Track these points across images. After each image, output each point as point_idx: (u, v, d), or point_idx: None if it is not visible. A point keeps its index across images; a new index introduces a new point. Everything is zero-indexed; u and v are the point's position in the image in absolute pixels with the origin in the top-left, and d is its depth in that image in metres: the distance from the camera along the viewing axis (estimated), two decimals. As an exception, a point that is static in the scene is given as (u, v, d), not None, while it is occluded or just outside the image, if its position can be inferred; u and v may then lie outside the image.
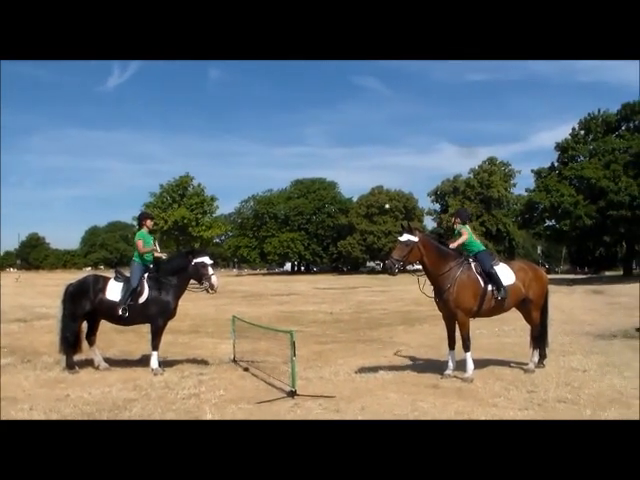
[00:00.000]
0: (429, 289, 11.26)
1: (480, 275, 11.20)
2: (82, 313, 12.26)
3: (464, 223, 12.03)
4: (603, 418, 7.96)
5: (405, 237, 10.93)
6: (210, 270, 12.41)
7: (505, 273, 11.43)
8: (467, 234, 11.67)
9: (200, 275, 12.32)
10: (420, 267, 11.52)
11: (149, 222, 12.87)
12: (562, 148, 65.74)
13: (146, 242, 12.48)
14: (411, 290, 31.23)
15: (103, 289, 12.17)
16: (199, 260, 12.36)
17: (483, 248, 11.95)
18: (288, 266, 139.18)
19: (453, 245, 11.52)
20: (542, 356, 11.91)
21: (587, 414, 8.20)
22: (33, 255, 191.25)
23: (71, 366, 12.11)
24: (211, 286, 12.32)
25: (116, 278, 12.35)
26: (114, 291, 12.11)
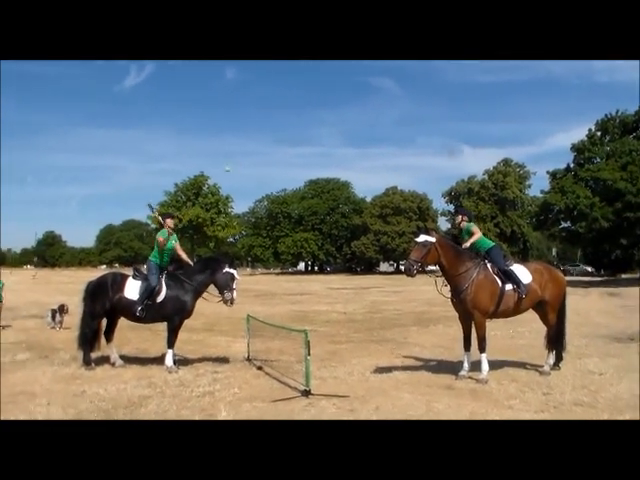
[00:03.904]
0: (446, 290, 11.23)
1: (497, 275, 11.17)
2: (101, 311, 12.37)
3: (470, 220, 12.05)
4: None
5: (422, 238, 10.90)
6: (235, 284, 12.47)
7: (521, 273, 11.39)
8: (479, 232, 11.71)
9: (226, 285, 12.34)
10: (436, 268, 11.51)
11: (169, 221, 12.81)
12: (578, 149, 65.08)
13: (168, 240, 12.55)
14: (424, 291, 31.26)
15: (121, 287, 12.24)
16: (231, 271, 12.43)
17: (493, 244, 11.93)
18: (302, 266, 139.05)
19: (466, 244, 11.50)
20: (558, 358, 11.84)
21: (604, 418, 8.13)
22: (49, 253, 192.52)
23: (88, 362, 12.21)
24: (232, 300, 12.37)
25: (134, 276, 12.42)
26: (132, 289, 12.17)
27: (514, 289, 11.20)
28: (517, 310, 11.55)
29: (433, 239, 10.89)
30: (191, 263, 12.76)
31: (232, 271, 12.47)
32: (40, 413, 8.50)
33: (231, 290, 12.35)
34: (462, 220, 12.00)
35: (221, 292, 12.41)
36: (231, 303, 12.43)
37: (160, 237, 12.47)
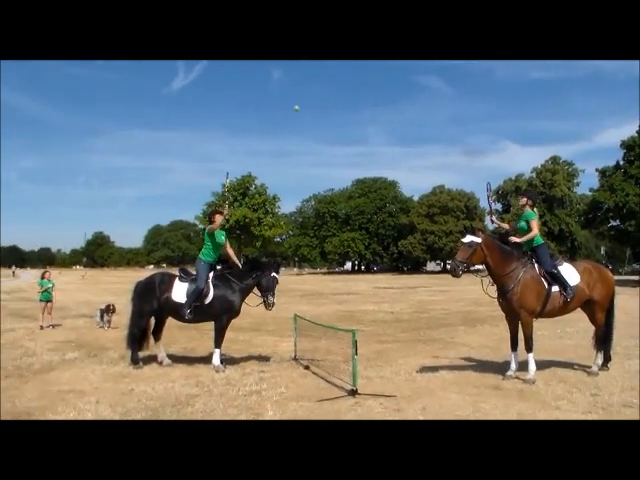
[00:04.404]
0: (492, 289, 11.14)
1: (544, 276, 11.03)
2: (149, 310, 12.50)
3: (534, 207, 11.73)
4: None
5: (468, 238, 10.82)
6: (277, 288, 12.67)
7: (569, 273, 11.24)
8: (537, 229, 11.37)
9: (269, 289, 12.48)
10: (482, 267, 11.41)
11: (217, 217, 12.80)
12: (628, 146, 63.74)
13: (217, 237, 12.61)
14: (471, 290, 31.07)
15: (169, 287, 12.34)
16: (276, 276, 12.62)
17: (541, 242, 11.57)
18: (349, 265, 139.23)
19: (520, 239, 11.23)
20: (606, 359, 11.67)
21: (654, 419, 8.03)
22: (98, 253, 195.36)
23: (136, 361, 12.36)
24: (273, 304, 12.53)
25: (181, 278, 12.50)
26: (180, 291, 12.26)
27: (560, 291, 11.08)
28: (564, 310, 11.40)
29: (479, 239, 10.80)
30: (239, 263, 12.80)
31: (277, 276, 12.63)
32: (89, 411, 8.62)
33: (274, 294, 12.50)
34: (526, 204, 11.67)
35: (264, 295, 12.49)
36: (272, 307, 12.56)
37: (212, 225, 12.59)
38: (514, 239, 11.27)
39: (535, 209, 11.74)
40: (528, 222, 11.38)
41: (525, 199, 11.79)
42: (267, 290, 12.42)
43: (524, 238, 11.27)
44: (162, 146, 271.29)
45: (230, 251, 12.95)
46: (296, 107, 15.05)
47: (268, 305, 12.46)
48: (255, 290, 12.65)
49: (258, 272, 12.50)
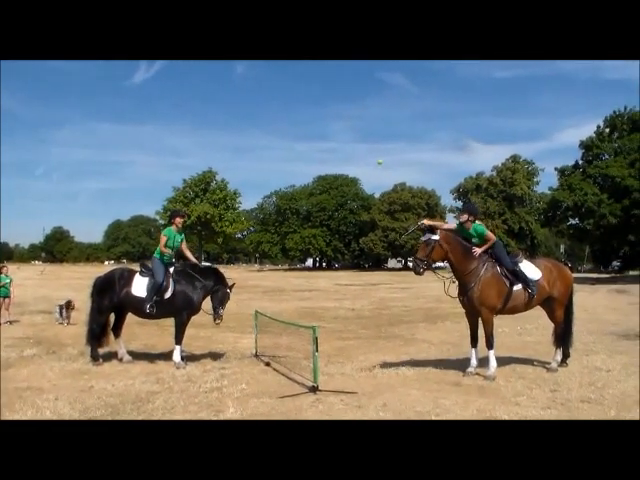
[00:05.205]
0: (453, 290, 11.18)
1: (505, 275, 11.07)
2: (109, 306, 12.38)
3: (475, 219, 11.47)
4: (627, 419, 7.89)
5: (426, 236, 10.84)
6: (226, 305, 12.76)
7: (530, 271, 11.32)
8: (493, 236, 11.35)
9: (223, 302, 12.56)
10: (444, 265, 11.45)
11: (178, 220, 12.80)
12: (586, 146, 64.89)
13: (171, 239, 12.51)
14: (433, 287, 31.21)
15: (129, 283, 12.25)
16: (229, 292, 12.68)
17: (494, 238, 11.46)
18: (310, 262, 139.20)
19: (480, 251, 11.08)
20: (565, 355, 11.81)
21: (611, 414, 8.13)
22: (57, 248, 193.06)
23: (95, 358, 12.22)
24: (221, 317, 12.59)
25: (141, 273, 12.42)
26: (140, 286, 12.19)
27: (524, 288, 11.14)
28: (525, 307, 11.50)
29: (436, 236, 10.82)
30: (196, 261, 12.81)
31: (230, 292, 12.70)
32: (47, 408, 8.50)
33: (223, 308, 12.56)
34: (468, 221, 11.37)
35: (216, 307, 12.51)
36: (220, 320, 12.59)
37: (163, 236, 12.51)
38: (476, 251, 11.19)
39: (478, 221, 11.49)
40: (480, 233, 11.28)
41: (466, 216, 11.45)
42: (221, 303, 12.49)
43: (484, 247, 11.21)
44: (123, 139, 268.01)
45: (187, 252, 12.94)
46: (379, 161, 15.82)
47: (218, 317, 12.49)
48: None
49: (218, 280, 12.60)
